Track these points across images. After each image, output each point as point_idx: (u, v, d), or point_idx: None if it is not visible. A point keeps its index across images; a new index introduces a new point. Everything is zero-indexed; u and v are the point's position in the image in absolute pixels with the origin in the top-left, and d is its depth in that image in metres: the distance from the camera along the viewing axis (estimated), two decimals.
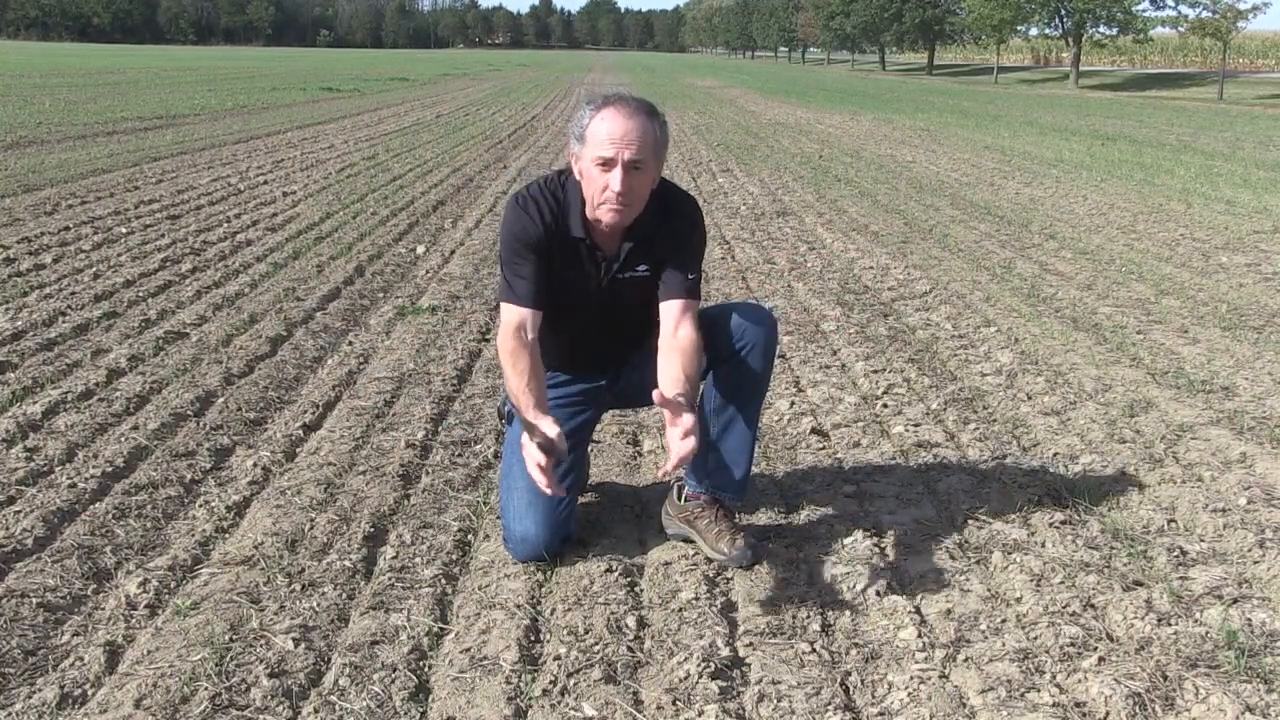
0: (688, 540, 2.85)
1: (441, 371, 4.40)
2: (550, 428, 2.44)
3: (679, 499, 2.87)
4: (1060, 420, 3.90)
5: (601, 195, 2.56)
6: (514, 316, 2.66)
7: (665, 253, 2.71)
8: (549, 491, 2.47)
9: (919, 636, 2.38)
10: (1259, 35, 63.61)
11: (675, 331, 2.67)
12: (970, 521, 3.02)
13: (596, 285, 2.73)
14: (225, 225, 7.69)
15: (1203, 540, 2.92)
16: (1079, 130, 19.64)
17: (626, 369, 2.90)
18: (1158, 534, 2.96)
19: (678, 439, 2.39)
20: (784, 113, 23.40)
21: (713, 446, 2.77)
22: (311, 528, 2.91)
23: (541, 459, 2.43)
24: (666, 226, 2.71)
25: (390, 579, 2.64)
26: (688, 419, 2.39)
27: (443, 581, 2.65)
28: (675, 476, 2.98)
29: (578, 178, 2.63)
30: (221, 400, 3.95)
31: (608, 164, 2.52)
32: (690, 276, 2.72)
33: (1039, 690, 2.18)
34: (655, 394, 2.45)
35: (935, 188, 10.76)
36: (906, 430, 3.77)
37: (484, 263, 6.63)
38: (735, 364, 2.72)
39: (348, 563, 2.71)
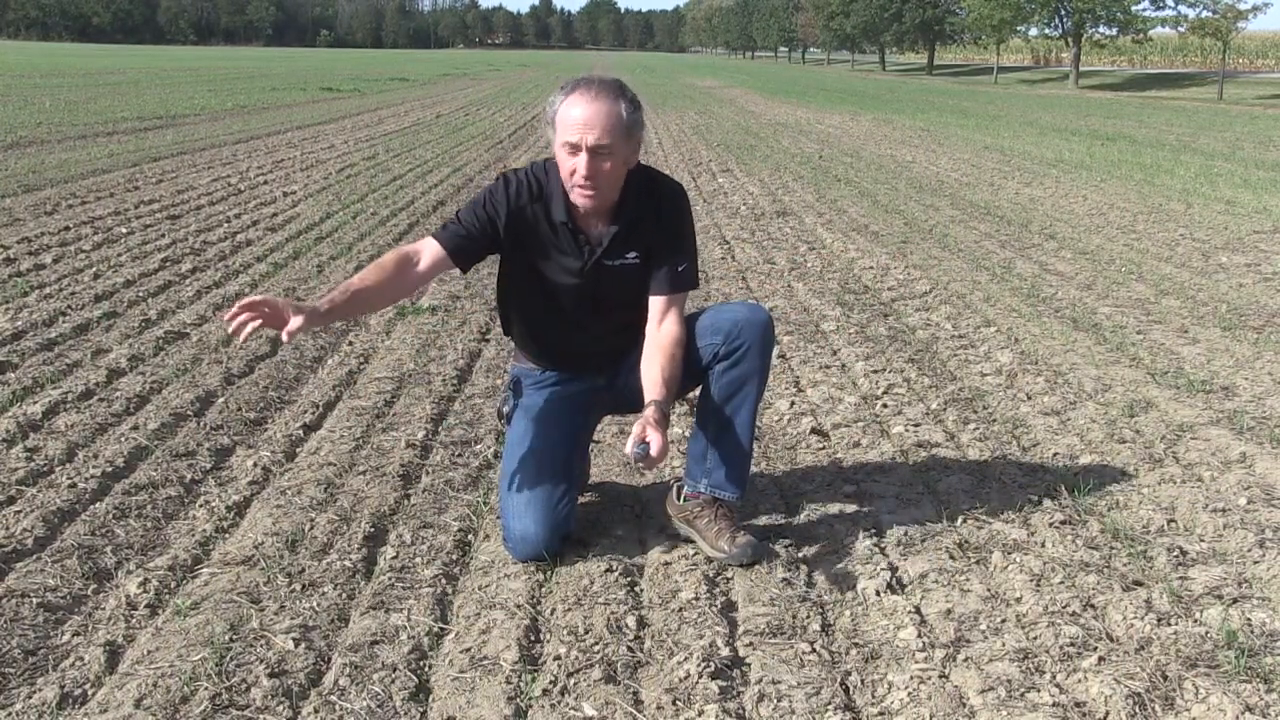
0: (688, 540, 2.85)
1: (441, 371, 4.40)
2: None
3: (678, 499, 2.87)
4: (1060, 420, 3.90)
5: (570, 179, 2.61)
6: (420, 244, 2.72)
7: (654, 242, 2.74)
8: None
9: (919, 636, 2.38)
10: (1259, 35, 63.59)
11: (659, 325, 2.73)
12: (970, 521, 3.02)
13: (579, 269, 2.74)
14: (225, 225, 7.69)
15: (1203, 540, 2.92)
16: (1079, 130, 19.64)
17: (624, 371, 2.90)
18: (1158, 534, 2.96)
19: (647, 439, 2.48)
20: (784, 113, 23.40)
21: (712, 446, 2.78)
22: (311, 528, 2.91)
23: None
24: (653, 212, 2.73)
25: (390, 579, 2.64)
26: (653, 434, 2.48)
27: (443, 581, 2.65)
28: (675, 476, 2.99)
29: (554, 152, 2.67)
30: (221, 400, 3.95)
31: (574, 149, 2.56)
32: (680, 269, 2.76)
33: (1039, 690, 2.18)
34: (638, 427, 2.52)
35: (935, 188, 10.76)
36: (906, 430, 3.77)
37: (484, 263, 6.62)
38: (732, 363, 2.73)
39: (348, 563, 2.71)
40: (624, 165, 2.64)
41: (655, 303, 2.75)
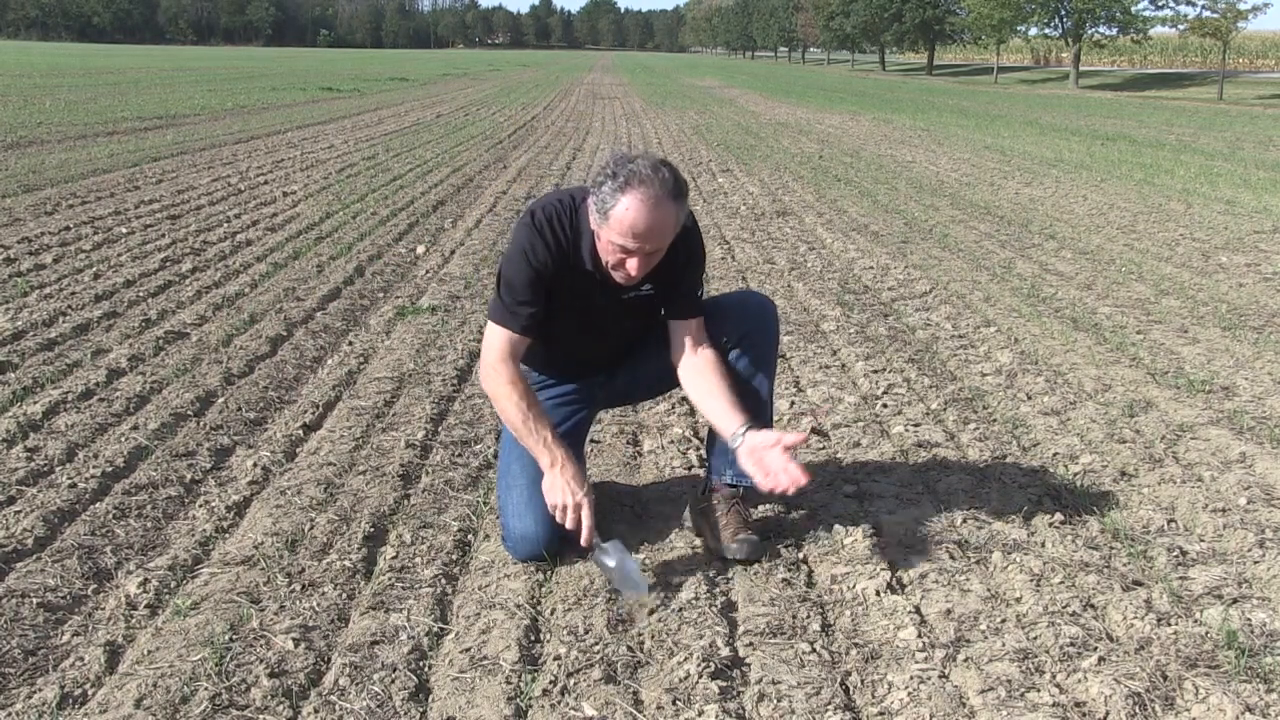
0: (700, 535, 2.88)
1: (441, 371, 4.40)
2: (580, 473, 2.58)
3: (701, 494, 2.90)
4: (1060, 420, 3.90)
5: (615, 269, 2.57)
6: (504, 342, 2.64)
7: (672, 276, 2.70)
8: (584, 543, 2.56)
9: (919, 636, 2.38)
10: (1259, 35, 63.60)
11: (696, 351, 2.73)
12: (970, 521, 3.02)
13: (601, 308, 2.73)
14: (225, 225, 7.70)
15: (1203, 540, 2.92)
16: (1079, 130, 19.64)
17: (623, 370, 2.92)
18: (1158, 534, 2.96)
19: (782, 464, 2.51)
20: (784, 113, 23.40)
21: None
22: (311, 528, 2.91)
23: (575, 501, 2.54)
24: (671, 251, 2.66)
25: (390, 579, 2.64)
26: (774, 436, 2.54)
27: (443, 581, 2.65)
28: (703, 475, 3.03)
29: (593, 228, 2.57)
30: (221, 400, 3.95)
31: (626, 251, 2.51)
32: (698, 293, 2.78)
33: (1039, 690, 2.18)
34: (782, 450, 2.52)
35: (935, 188, 10.76)
36: (906, 430, 3.77)
37: (484, 263, 6.63)
38: (744, 349, 2.77)
39: (348, 563, 2.71)
40: (665, 251, 2.60)
41: (685, 327, 2.74)
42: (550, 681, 2.21)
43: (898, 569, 2.73)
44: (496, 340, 2.66)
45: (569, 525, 2.56)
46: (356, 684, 2.19)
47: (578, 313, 2.71)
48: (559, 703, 2.15)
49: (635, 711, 2.12)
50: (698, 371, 2.71)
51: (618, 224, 2.47)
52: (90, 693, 2.17)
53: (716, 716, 2.08)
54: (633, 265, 2.53)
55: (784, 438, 2.51)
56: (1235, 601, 2.54)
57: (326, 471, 3.30)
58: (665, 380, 2.88)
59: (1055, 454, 3.57)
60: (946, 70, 69.85)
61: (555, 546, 2.72)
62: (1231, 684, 2.19)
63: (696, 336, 2.74)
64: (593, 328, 2.78)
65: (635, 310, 2.77)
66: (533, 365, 2.95)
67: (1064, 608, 2.51)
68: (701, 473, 3.13)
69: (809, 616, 2.49)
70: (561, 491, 2.56)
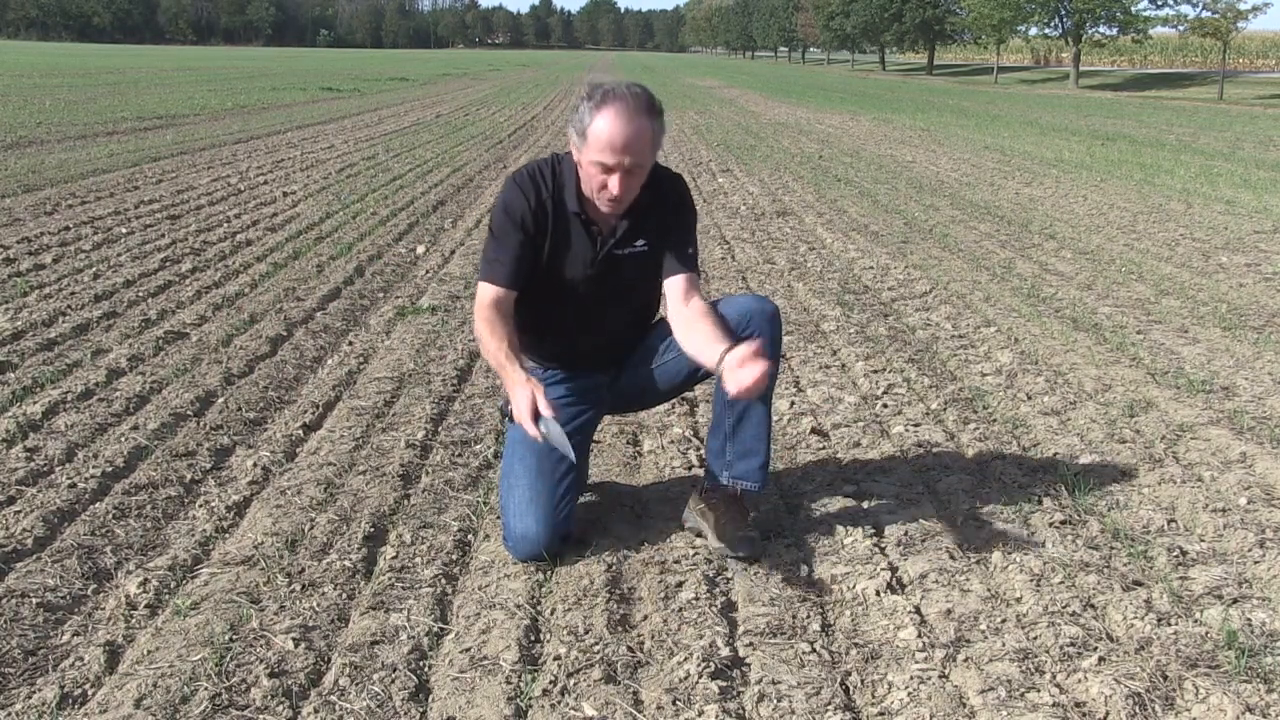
0: (689, 538, 2.86)
1: (441, 371, 4.40)
2: (537, 387, 2.57)
3: (701, 494, 2.90)
4: (1060, 420, 3.90)
5: (599, 193, 2.64)
6: (491, 294, 2.74)
7: (662, 229, 2.78)
8: (533, 434, 2.54)
9: (919, 636, 2.38)
10: (1259, 35, 63.56)
11: (687, 302, 2.76)
12: (970, 521, 3.02)
13: (591, 260, 2.77)
14: (225, 225, 7.70)
15: (1203, 540, 2.92)
16: (1079, 130, 19.64)
17: (627, 369, 2.93)
18: (1158, 534, 2.96)
19: (750, 361, 2.40)
20: (784, 113, 23.40)
21: (730, 438, 2.80)
22: (311, 528, 2.91)
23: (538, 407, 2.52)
24: (660, 200, 2.78)
25: (390, 579, 2.64)
26: (749, 345, 2.43)
27: (443, 581, 2.65)
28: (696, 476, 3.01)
29: (576, 162, 2.68)
30: (221, 400, 3.95)
31: (607, 169, 2.59)
32: (690, 251, 2.82)
33: (1039, 690, 2.18)
34: (720, 356, 2.46)
35: (935, 188, 10.75)
36: (906, 430, 3.77)
37: None
38: None
39: (348, 563, 2.71)
40: (646, 172, 2.69)
41: (677, 282, 2.79)
42: (550, 681, 2.21)
43: (898, 569, 2.73)
44: (482, 295, 2.76)
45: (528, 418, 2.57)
46: (356, 684, 2.19)
47: (569, 268, 2.75)
48: (559, 703, 2.15)
49: (635, 711, 2.12)
50: (688, 320, 2.72)
51: (596, 140, 2.56)
52: (90, 693, 2.17)
53: (716, 716, 2.08)
54: (615, 184, 2.59)
55: (753, 345, 2.46)
56: (1235, 601, 2.54)
57: (326, 471, 3.30)
58: (670, 383, 2.90)
59: (1055, 454, 3.57)
60: (946, 70, 69.84)
61: (555, 547, 2.72)
62: (1231, 684, 2.19)
63: (688, 290, 2.77)
64: (585, 290, 2.79)
65: (630, 273, 2.79)
66: (538, 357, 2.96)
67: (1064, 608, 2.51)
68: (701, 473, 3.13)
69: (809, 616, 2.49)
70: (519, 410, 2.59)
